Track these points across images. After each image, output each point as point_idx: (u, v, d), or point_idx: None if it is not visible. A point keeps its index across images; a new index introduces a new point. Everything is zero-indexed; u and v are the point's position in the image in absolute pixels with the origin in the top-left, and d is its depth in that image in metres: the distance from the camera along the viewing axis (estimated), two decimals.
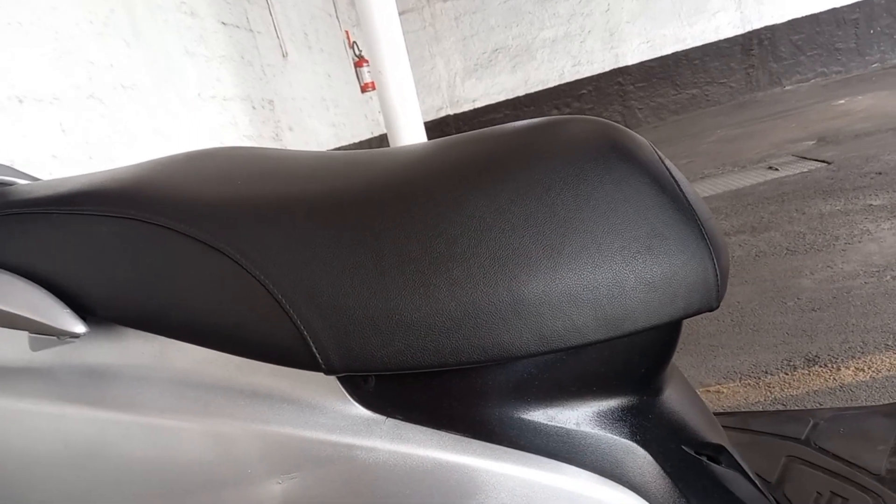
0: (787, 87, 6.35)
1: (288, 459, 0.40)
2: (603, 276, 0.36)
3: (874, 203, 2.34)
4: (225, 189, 0.43)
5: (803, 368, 1.43)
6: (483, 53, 6.80)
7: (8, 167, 0.54)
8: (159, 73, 2.91)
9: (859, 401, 1.27)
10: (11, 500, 0.45)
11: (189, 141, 3.04)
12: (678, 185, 0.40)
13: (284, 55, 4.51)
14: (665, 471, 0.42)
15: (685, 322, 0.42)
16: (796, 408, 1.30)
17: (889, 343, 1.42)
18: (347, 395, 0.41)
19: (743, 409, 1.35)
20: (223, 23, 3.68)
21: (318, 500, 0.40)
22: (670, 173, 0.40)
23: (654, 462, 0.42)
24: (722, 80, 6.46)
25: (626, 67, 6.59)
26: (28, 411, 0.44)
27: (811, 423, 0.67)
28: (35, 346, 0.43)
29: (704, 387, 1.47)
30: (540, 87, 6.79)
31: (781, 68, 6.33)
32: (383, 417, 0.40)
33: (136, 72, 2.74)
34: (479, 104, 6.94)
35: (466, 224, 0.37)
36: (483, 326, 0.36)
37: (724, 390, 1.43)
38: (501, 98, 6.89)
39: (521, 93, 6.85)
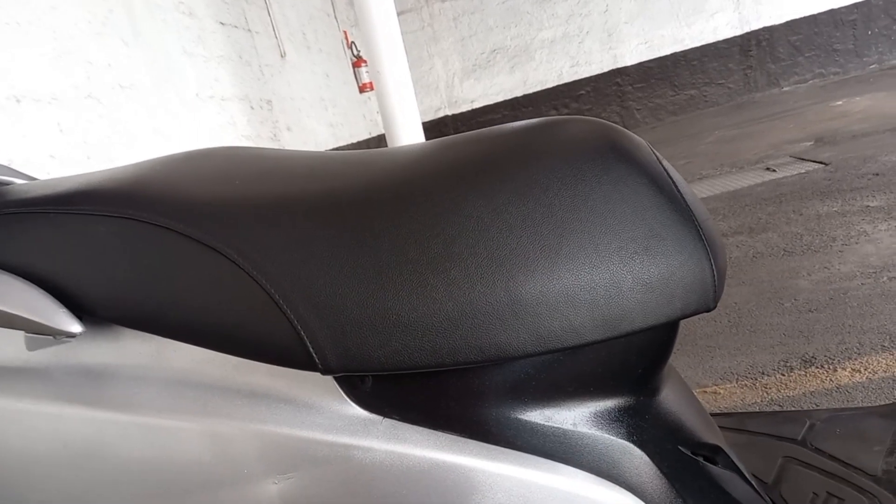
0: (785, 88, 6.36)
1: (285, 459, 0.40)
2: (600, 276, 0.36)
3: (871, 204, 2.34)
4: (223, 189, 0.43)
5: (800, 369, 1.43)
6: (481, 54, 6.80)
7: (6, 167, 0.54)
8: (158, 73, 2.91)
9: (856, 402, 1.28)
10: (9, 500, 0.45)
11: (187, 141, 3.03)
12: (676, 186, 0.40)
13: (283, 55, 4.50)
14: (662, 471, 0.42)
15: (682, 323, 0.42)
16: (793, 409, 1.30)
17: (885, 344, 1.43)
18: (344, 395, 0.41)
19: (739, 410, 1.35)
20: (221, 23, 3.68)
21: (315, 500, 0.40)
22: (668, 174, 0.40)
23: (650, 462, 0.42)
24: (720, 81, 6.47)
25: (625, 68, 6.60)
26: (25, 411, 0.44)
27: (807, 423, 0.67)
28: (32, 346, 0.42)
29: (701, 388, 1.47)
30: (538, 88, 6.79)
31: (779, 69, 6.34)
32: (380, 417, 0.40)
33: (134, 72, 2.74)
34: (477, 105, 6.94)
35: (464, 224, 0.37)
36: (480, 327, 0.36)
37: (721, 391, 1.43)
38: (500, 99, 6.89)
39: (519, 93, 6.85)
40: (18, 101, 2.09)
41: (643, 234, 0.37)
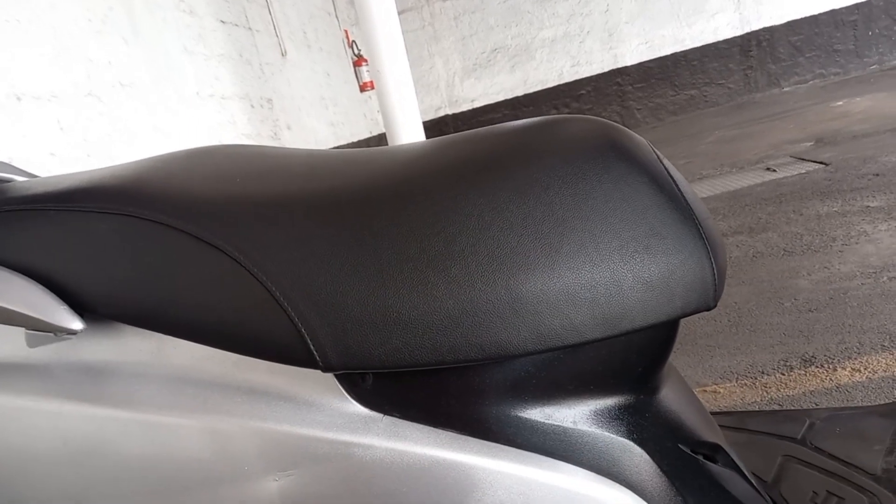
0: (786, 89, 6.36)
1: (285, 457, 0.40)
2: (601, 274, 0.36)
3: (871, 204, 2.35)
4: (224, 187, 0.43)
5: (800, 369, 1.43)
6: (482, 53, 6.79)
7: (6, 164, 0.54)
8: (158, 71, 2.91)
9: (855, 401, 1.28)
10: (9, 497, 0.45)
11: (188, 139, 3.03)
12: (676, 185, 0.40)
13: (283, 54, 4.50)
14: (661, 469, 0.42)
15: (682, 322, 0.42)
16: (793, 408, 1.30)
17: (885, 344, 1.43)
18: (345, 392, 0.41)
19: (739, 409, 1.35)
20: (222, 21, 3.67)
21: (315, 498, 0.40)
22: (668, 173, 0.40)
23: (650, 461, 0.42)
24: (720, 81, 6.47)
25: (625, 68, 6.60)
26: (25, 408, 0.44)
27: (807, 422, 0.67)
28: (32, 343, 0.43)
29: (701, 386, 1.47)
30: (539, 88, 6.79)
31: (780, 69, 6.34)
32: (380, 415, 0.40)
33: (134, 70, 2.74)
34: (477, 104, 6.94)
35: (464, 223, 0.37)
36: (481, 325, 0.36)
37: (721, 390, 1.44)
38: (500, 98, 6.89)
39: (519, 93, 6.85)
40: (19, 98, 2.09)
41: (644, 233, 0.37)
